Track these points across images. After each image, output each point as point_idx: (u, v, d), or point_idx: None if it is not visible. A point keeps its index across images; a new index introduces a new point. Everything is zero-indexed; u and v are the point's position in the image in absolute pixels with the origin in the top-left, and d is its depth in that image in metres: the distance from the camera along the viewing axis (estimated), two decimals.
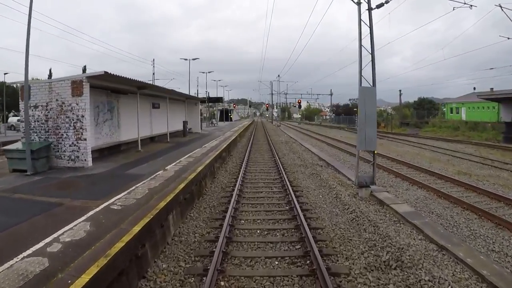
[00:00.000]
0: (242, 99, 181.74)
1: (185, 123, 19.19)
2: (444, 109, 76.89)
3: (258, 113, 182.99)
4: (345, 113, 79.44)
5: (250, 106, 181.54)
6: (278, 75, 57.64)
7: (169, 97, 16.54)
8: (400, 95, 53.15)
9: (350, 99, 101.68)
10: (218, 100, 36.32)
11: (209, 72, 32.75)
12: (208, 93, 34.25)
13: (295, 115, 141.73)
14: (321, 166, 13.34)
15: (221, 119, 57.23)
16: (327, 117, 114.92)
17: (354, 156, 16.68)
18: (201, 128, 27.46)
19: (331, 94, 69.79)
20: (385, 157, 15.97)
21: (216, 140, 17.83)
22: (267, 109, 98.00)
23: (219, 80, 42.99)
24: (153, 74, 41.74)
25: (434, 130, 44.07)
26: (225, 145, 14.61)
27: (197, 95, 36.89)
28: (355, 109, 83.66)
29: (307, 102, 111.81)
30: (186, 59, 29.20)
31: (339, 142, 24.24)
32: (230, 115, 61.77)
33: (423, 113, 62.16)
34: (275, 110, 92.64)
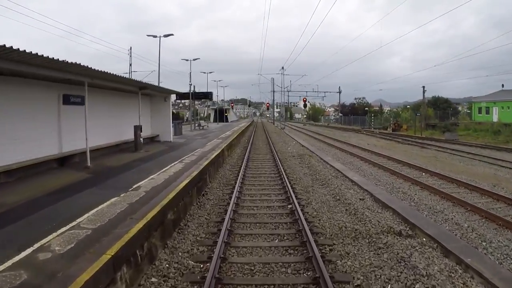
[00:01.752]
0: (242, 98, 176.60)
1: (137, 129, 11.68)
2: (465, 109, 69.50)
3: (258, 113, 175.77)
4: (351, 113, 72.51)
5: (249, 106, 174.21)
6: (282, 67, 49.52)
7: (91, 83, 8.91)
8: (424, 92, 45.46)
9: (355, 98, 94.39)
10: (207, 96, 28.43)
11: (194, 60, 24.96)
12: (194, 86, 26.51)
13: (297, 115, 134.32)
14: (404, 236, 5.76)
15: (217, 120, 49.41)
16: (331, 117, 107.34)
17: (442, 198, 8.98)
18: (179, 134, 19.85)
19: (339, 92, 62.18)
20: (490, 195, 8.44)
21: (182, 161, 10.19)
22: (268, 109, 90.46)
23: (210, 72, 34.96)
24: (130, 65, 34.24)
25: (469, 133, 36.60)
26: (186, 182, 7.01)
27: (190, 91, 28.53)
28: (366, 108, 76.25)
29: (309, 102, 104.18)
30: (155, 36, 21.50)
31: (374, 154, 16.69)
32: (226, 115, 53.96)
33: (445, 113, 54.73)
34: (277, 109, 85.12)
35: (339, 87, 62.40)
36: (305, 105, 55.30)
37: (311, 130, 40.17)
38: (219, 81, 46.40)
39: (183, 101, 55.68)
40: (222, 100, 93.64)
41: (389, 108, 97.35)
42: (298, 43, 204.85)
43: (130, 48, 34.61)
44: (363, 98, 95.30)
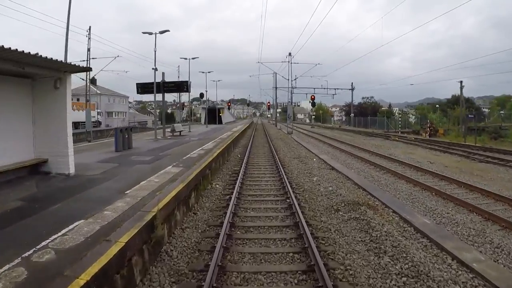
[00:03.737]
0: (241, 98, 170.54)
1: None
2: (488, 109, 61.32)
3: (258, 113, 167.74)
4: (360, 114, 64.33)
5: (248, 105, 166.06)
6: (289, 54, 40.46)
7: None
8: (461, 87, 36.97)
9: (363, 97, 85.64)
10: (181, 87, 19.36)
11: (161, 32, 15.98)
12: (163, 74, 17.60)
13: (299, 115, 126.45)
14: None
15: (207, 122, 40.74)
16: (335, 117, 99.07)
17: None
18: (126, 147, 11.40)
19: (352, 89, 53.66)
20: None
21: None
22: (269, 109, 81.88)
23: (194, 58, 26.00)
24: (88, 50, 25.82)
25: None
26: None
27: (155, 81, 18.19)
28: (383, 107, 67.89)
29: (309, 103, 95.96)
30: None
31: (476, 193, 8.10)
32: (220, 115, 45.36)
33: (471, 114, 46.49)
34: (278, 110, 76.69)
35: (352, 83, 53.91)
36: (313, 104, 46.71)
37: (325, 135, 31.65)
38: (209, 72, 36.83)
39: (185, 99, 45.58)
40: (222, 100, 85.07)
41: (397, 109, 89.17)
42: (297, 42, 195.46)
43: (89, 28, 26.27)
44: (372, 97, 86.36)
